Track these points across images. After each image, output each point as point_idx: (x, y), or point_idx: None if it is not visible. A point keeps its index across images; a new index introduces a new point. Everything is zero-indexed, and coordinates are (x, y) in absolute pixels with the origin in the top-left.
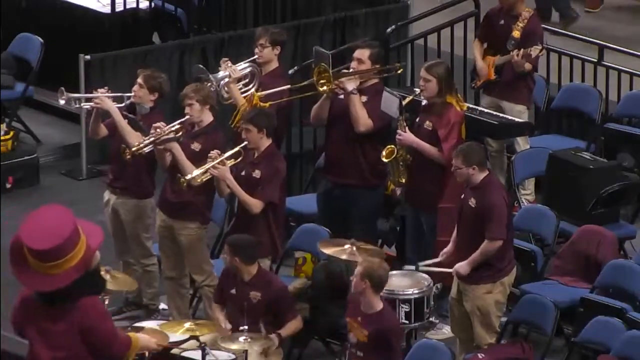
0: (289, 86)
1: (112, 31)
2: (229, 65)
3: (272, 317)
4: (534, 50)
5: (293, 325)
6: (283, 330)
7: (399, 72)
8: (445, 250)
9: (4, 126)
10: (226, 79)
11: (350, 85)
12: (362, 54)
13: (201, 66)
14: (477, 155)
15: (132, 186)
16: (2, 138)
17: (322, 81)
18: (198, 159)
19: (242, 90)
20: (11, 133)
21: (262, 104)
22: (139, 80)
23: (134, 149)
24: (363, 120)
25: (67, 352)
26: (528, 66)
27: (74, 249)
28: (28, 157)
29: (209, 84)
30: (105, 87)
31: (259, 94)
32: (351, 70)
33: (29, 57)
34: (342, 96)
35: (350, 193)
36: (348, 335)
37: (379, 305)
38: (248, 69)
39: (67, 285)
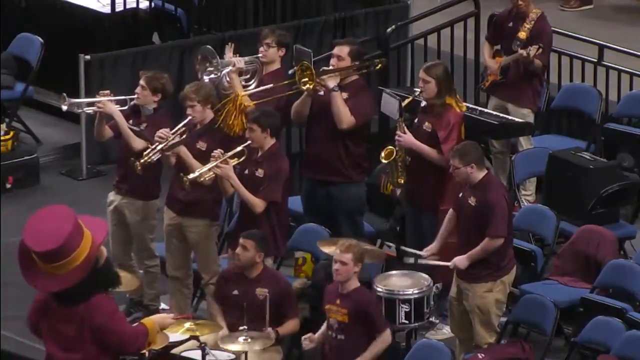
0: (272, 85)
1: (112, 31)
2: (235, 55)
3: (275, 314)
4: (532, 50)
5: (291, 325)
6: (281, 328)
7: (378, 67)
8: (429, 247)
9: (4, 126)
10: (230, 67)
11: (332, 82)
12: (342, 50)
13: (210, 47)
14: (473, 154)
15: (139, 188)
16: (2, 138)
17: (304, 79)
18: (205, 158)
19: (242, 85)
20: (11, 133)
21: (246, 103)
22: (141, 82)
23: (142, 160)
24: (345, 117)
25: (81, 354)
26: (537, 62)
27: (78, 247)
28: (28, 157)
29: (211, 68)
30: (108, 91)
31: (242, 93)
32: (330, 67)
33: (29, 57)
34: (322, 92)
35: (332, 190)
36: (327, 323)
37: (356, 284)
38: (252, 65)
39: (77, 283)
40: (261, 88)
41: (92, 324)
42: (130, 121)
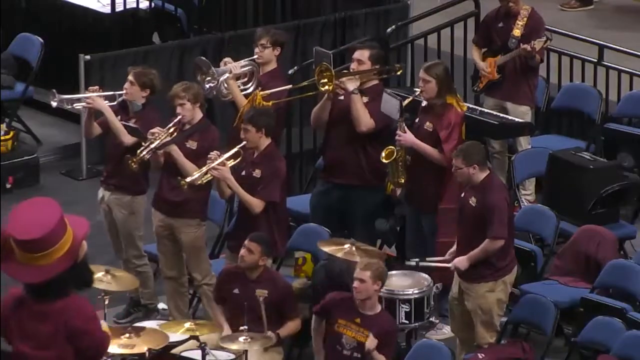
0: (290, 86)
1: (112, 31)
2: (231, 62)
3: (275, 315)
4: (538, 44)
5: (292, 326)
6: (282, 329)
7: (399, 72)
8: (451, 250)
9: (4, 126)
10: (227, 74)
11: (351, 85)
12: (362, 54)
13: (204, 58)
14: (477, 155)
15: (127, 183)
16: (2, 138)
17: (323, 80)
18: (195, 157)
19: (240, 89)
20: (11, 133)
21: (264, 103)
22: (130, 77)
23: (137, 158)
24: (365, 120)
25: (56, 352)
26: (538, 58)
27: (61, 239)
28: (28, 157)
29: (209, 77)
30: (97, 87)
31: (261, 93)
32: (351, 70)
33: (29, 57)
34: (342, 97)
35: (350, 194)
36: (335, 336)
37: (379, 306)
38: (248, 68)
39: (56, 276)
40: (280, 88)
41: (70, 325)
42: (119, 117)
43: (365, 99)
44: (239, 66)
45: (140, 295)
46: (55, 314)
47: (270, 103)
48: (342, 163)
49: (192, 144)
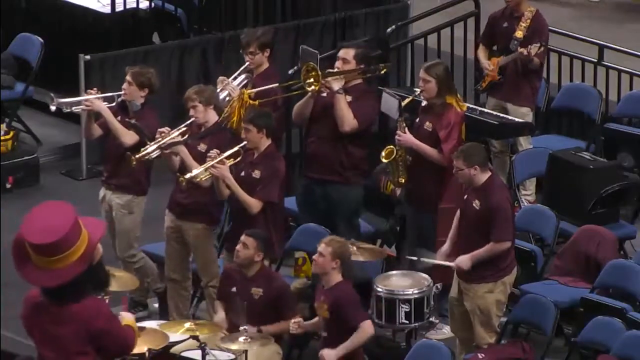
0: (277, 84)
1: (112, 31)
2: (227, 84)
3: (272, 314)
4: (534, 49)
5: (284, 326)
6: (269, 326)
7: (383, 72)
8: (442, 249)
9: (4, 126)
10: (227, 98)
11: (337, 85)
12: (347, 53)
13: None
14: (478, 156)
15: (127, 183)
16: (2, 138)
17: (309, 80)
18: (205, 160)
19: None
20: (11, 133)
21: (251, 101)
22: (127, 77)
23: (139, 155)
24: (348, 120)
25: (76, 355)
26: (536, 61)
27: (76, 243)
28: (28, 157)
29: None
30: (95, 89)
31: (248, 91)
32: (336, 69)
33: (29, 57)
34: (324, 94)
35: (329, 189)
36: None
37: (337, 279)
38: (245, 81)
39: (72, 279)
40: (265, 87)
41: (92, 327)
42: (119, 117)
43: (349, 98)
44: (236, 84)
45: (147, 285)
46: (74, 317)
47: (257, 102)
48: (320, 159)
49: (202, 147)
